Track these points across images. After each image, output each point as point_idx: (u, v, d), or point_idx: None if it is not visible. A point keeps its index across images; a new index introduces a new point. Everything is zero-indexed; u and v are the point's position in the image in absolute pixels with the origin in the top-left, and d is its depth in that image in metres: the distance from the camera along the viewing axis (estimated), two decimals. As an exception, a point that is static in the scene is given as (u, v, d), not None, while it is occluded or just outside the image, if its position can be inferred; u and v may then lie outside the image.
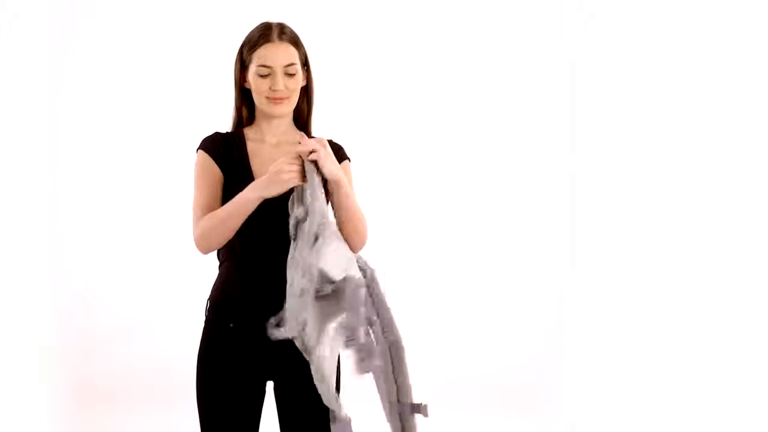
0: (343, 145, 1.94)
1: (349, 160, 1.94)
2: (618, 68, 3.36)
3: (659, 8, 3.15)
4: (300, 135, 1.86)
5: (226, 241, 1.78)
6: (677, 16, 3.06)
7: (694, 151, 2.99)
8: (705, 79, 2.95)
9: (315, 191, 1.71)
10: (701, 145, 2.96)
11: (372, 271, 1.80)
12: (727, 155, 2.87)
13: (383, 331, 1.78)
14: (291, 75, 1.82)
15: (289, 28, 1.86)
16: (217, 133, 1.89)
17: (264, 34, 1.82)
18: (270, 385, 1.87)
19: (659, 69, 3.13)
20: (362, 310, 1.58)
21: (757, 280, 2.75)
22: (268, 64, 1.80)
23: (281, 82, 1.80)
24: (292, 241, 1.70)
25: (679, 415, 2.95)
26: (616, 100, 3.38)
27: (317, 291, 1.60)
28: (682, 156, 3.04)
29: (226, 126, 1.94)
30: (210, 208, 1.80)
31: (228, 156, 1.85)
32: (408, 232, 4.02)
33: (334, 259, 1.66)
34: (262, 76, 1.81)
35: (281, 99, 1.82)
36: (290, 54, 1.82)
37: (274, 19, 1.88)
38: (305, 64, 1.87)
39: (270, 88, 1.80)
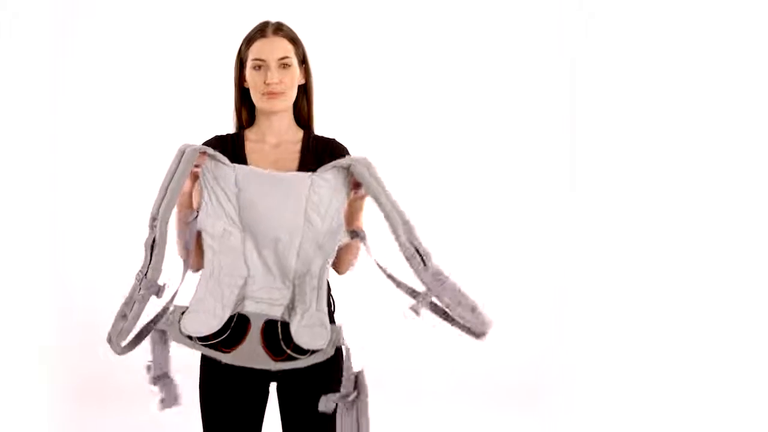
0: (347, 146, 1.94)
1: None
2: (618, 68, 3.36)
3: (659, 8, 3.15)
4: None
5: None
6: (677, 15, 3.06)
7: (694, 151, 2.99)
8: (705, 79, 2.95)
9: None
10: (701, 145, 2.96)
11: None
12: (727, 155, 2.87)
13: None
14: (285, 68, 1.81)
15: (287, 25, 1.86)
16: (216, 137, 1.89)
17: (260, 30, 1.84)
18: (272, 386, 1.88)
19: (659, 69, 3.13)
20: None
21: (757, 279, 2.75)
22: (261, 57, 1.80)
23: (275, 74, 1.80)
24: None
25: (679, 414, 2.96)
26: (616, 100, 3.38)
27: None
28: (682, 156, 3.04)
29: (227, 126, 1.94)
30: None
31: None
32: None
33: None
34: (257, 70, 1.81)
35: (275, 93, 1.81)
36: (284, 47, 1.82)
37: (273, 18, 1.89)
38: (303, 62, 1.88)
39: (264, 82, 1.80)
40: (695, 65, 2.99)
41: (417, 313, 1.70)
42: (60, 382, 3.59)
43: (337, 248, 1.75)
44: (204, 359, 1.83)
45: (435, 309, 1.73)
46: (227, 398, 1.80)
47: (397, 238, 1.71)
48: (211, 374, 1.81)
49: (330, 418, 1.82)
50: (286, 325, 1.73)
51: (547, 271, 3.96)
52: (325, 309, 1.74)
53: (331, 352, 1.72)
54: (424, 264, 1.71)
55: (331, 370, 1.81)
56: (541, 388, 3.77)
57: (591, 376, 3.48)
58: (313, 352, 1.71)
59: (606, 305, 3.40)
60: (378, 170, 1.73)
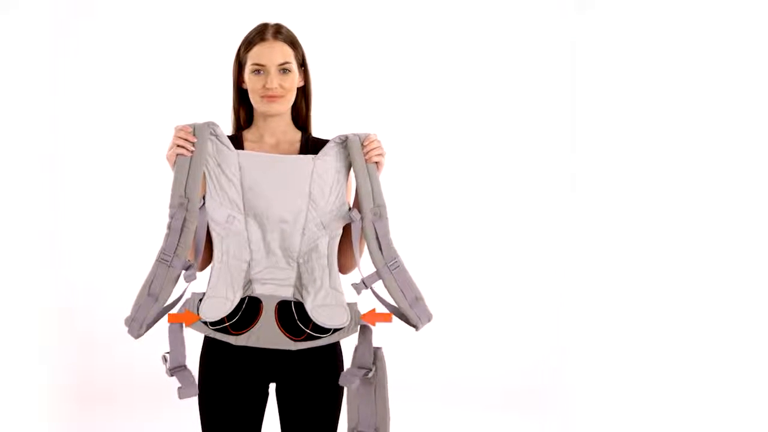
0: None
1: None
2: (618, 68, 3.36)
3: (659, 8, 3.14)
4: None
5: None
6: (677, 16, 3.06)
7: (693, 151, 2.99)
8: (705, 79, 2.95)
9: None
10: (701, 145, 2.96)
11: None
12: (726, 155, 2.87)
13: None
14: (285, 73, 1.81)
15: (286, 28, 1.86)
16: None
17: (259, 33, 1.83)
18: (272, 387, 1.87)
19: (659, 69, 3.13)
20: None
21: (756, 280, 2.75)
22: (262, 62, 1.80)
23: (275, 80, 1.80)
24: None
25: (680, 417, 2.95)
26: (616, 100, 3.38)
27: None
28: (682, 156, 3.03)
29: (225, 127, 1.94)
30: None
31: None
32: (408, 233, 4.01)
33: None
34: (257, 74, 1.81)
35: (275, 97, 1.81)
36: (285, 52, 1.81)
37: (273, 19, 1.89)
38: (302, 65, 1.87)
39: (264, 86, 1.80)
40: (695, 65, 2.98)
41: (357, 292, 1.77)
42: (60, 382, 3.59)
43: (341, 228, 1.80)
44: (202, 359, 1.83)
45: (375, 293, 1.81)
46: (226, 399, 1.79)
47: (363, 216, 1.77)
48: (210, 374, 1.81)
49: (330, 418, 1.83)
50: (300, 306, 1.77)
51: (550, 274, 3.96)
52: (340, 288, 1.79)
53: (355, 329, 1.79)
54: (380, 247, 1.77)
55: (330, 370, 1.82)
56: (543, 392, 3.77)
57: (593, 379, 3.48)
58: (335, 330, 1.77)
59: (608, 309, 3.40)
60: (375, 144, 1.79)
